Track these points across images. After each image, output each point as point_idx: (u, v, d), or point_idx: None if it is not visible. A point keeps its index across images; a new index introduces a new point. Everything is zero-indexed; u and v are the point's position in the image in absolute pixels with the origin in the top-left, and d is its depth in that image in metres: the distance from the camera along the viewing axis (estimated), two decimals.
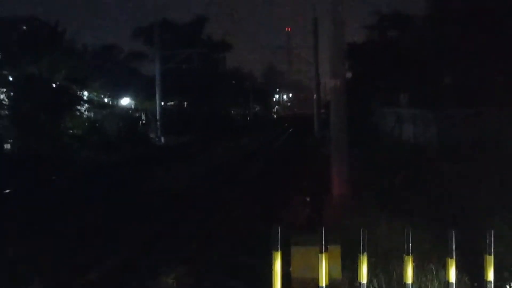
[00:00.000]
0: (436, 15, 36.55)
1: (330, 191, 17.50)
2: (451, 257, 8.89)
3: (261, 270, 10.62)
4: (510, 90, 26.99)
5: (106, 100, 54.16)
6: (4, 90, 39.25)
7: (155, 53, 59.13)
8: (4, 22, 45.73)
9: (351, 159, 18.29)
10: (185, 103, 75.38)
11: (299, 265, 10.02)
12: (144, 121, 59.21)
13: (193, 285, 12.08)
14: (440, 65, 34.45)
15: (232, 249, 13.98)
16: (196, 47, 64.71)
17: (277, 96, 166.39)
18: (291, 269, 10.12)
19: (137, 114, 59.79)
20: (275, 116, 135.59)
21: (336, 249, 9.99)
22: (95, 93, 47.92)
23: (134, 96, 61.99)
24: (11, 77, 39.68)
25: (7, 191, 24.81)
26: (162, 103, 59.98)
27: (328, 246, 8.94)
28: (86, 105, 44.07)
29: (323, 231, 8.84)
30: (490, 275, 8.96)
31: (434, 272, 10.32)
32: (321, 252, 8.85)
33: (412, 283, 9.07)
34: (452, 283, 9.01)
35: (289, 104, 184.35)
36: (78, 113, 42.63)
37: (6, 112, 38.30)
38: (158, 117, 56.85)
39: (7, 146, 36.59)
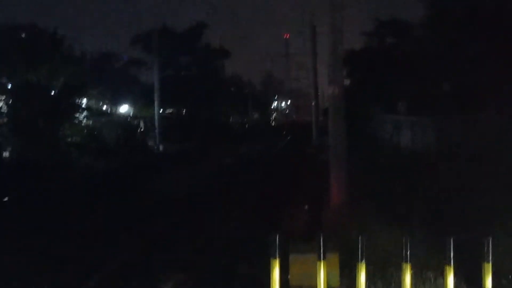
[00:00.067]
0: (434, 22, 36.59)
1: (329, 199, 17.49)
2: (449, 265, 8.89)
3: (259, 278, 10.61)
4: (509, 96, 27.01)
5: (104, 107, 54.12)
6: (3, 97, 39.22)
7: (153, 60, 59.10)
8: (3, 29, 45.72)
9: (349, 166, 18.28)
10: (184, 110, 75.28)
11: (297, 273, 10.02)
12: (142, 129, 59.12)
13: None
14: (439, 71, 34.46)
15: (230, 257, 13.97)
16: (195, 54, 64.72)
17: (275, 103, 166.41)
18: (289, 277, 10.11)
19: (135, 122, 59.68)
20: (273, 124, 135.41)
21: (334, 257, 9.99)
22: (93, 101, 47.87)
23: (132, 104, 61.94)
24: (10, 84, 39.66)
25: (6, 199, 24.79)
26: (161, 111, 59.92)
27: (326, 254, 8.94)
28: (85, 113, 43.98)
29: (321, 239, 8.84)
30: (488, 283, 8.96)
31: (432, 280, 10.31)
32: (319, 260, 8.85)
33: None
34: None
35: (287, 111, 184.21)
36: (76, 121, 42.55)
37: (5, 120, 38.27)
38: (156, 125, 56.80)
39: (6, 153, 36.56)
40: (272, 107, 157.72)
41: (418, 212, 15.25)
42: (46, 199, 25.43)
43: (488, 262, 8.90)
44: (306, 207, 18.70)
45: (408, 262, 8.88)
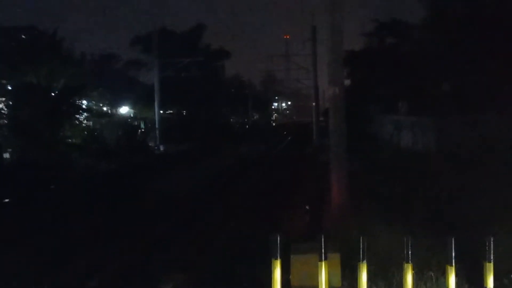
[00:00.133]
0: (434, 23, 36.58)
1: (330, 199, 17.48)
2: (451, 265, 8.89)
3: (260, 278, 10.61)
4: (509, 96, 27.00)
5: (105, 108, 54.10)
6: (3, 99, 39.25)
7: (153, 62, 59.15)
8: (3, 31, 45.76)
9: (350, 166, 18.28)
10: (184, 111, 75.29)
11: (299, 273, 10.02)
12: (143, 130, 59.14)
13: None
14: (439, 72, 34.45)
15: (231, 257, 13.97)
16: (195, 55, 64.69)
17: (276, 104, 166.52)
18: (290, 277, 10.11)
19: (136, 123, 59.72)
20: (274, 124, 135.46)
21: (336, 257, 9.99)
22: (94, 102, 47.89)
23: (133, 105, 61.96)
24: (10, 86, 39.69)
25: (6, 200, 24.81)
26: (161, 111, 59.96)
27: (327, 254, 8.94)
28: (85, 114, 44.02)
29: (323, 239, 8.84)
30: (490, 282, 8.96)
31: (433, 280, 10.31)
32: (321, 260, 8.85)
33: None
34: None
35: (288, 112, 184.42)
36: (77, 122, 42.60)
37: (5, 121, 38.30)
38: (157, 126, 56.83)
39: (7, 155, 36.58)
40: (273, 108, 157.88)
41: (419, 212, 15.25)
42: (47, 200, 25.46)
43: (489, 261, 8.89)
44: (307, 207, 18.69)
45: (410, 262, 8.88)
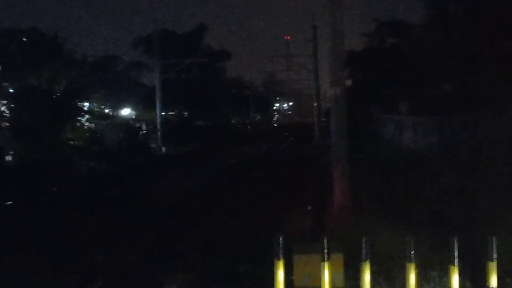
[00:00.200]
0: (434, 22, 36.57)
1: (332, 200, 17.49)
2: (454, 264, 8.90)
3: (263, 279, 10.61)
4: (510, 95, 26.98)
5: (106, 110, 54.13)
6: (5, 101, 39.28)
7: (155, 63, 59.24)
8: (4, 33, 45.77)
9: (352, 166, 18.28)
10: (186, 112, 75.35)
11: (302, 274, 10.01)
12: (144, 131, 59.21)
13: None
14: (440, 71, 34.45)
15: (234, 258, 13.96)
16: (196, 56, 64.76)
17: (277, 104, 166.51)
18: (293, 277, 10.11)
19: (137, 124, 59.77)
20: (275, 125, 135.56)
21: (339, 258, 9.98)
22: (95, 104, 47.93)
23: (134, 106, 62.02)
24: (12, 88, 39.72)
25: (9, 202, 24.84)
26: (163, 113, 60.03)
27: (330, 255, 8.94)
28: (87, 116, 44.05)
29: (325, 240, 8.84)
30: (493, 282, 8.96)
31: (436, 280, 10.31)
32: (324, 261, 8.85)
33: None
34: None
35: (289, 112, 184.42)
36: (78, 124, 42.63)
37: (7, 124, 38.32)
38: (158, 127, 56.89)
39: (8, 157, 36.60)
40: (274, 108, 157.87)
41: (422, 211, 15.25)
42: (50, 202, 25.48)
43: (492, 261, 8.90)
44: (309, 207, 18.70)
45: (413, 262, 8.89)
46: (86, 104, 45.30)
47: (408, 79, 38.05)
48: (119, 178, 33.94)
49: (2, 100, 39.19)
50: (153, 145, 55.50)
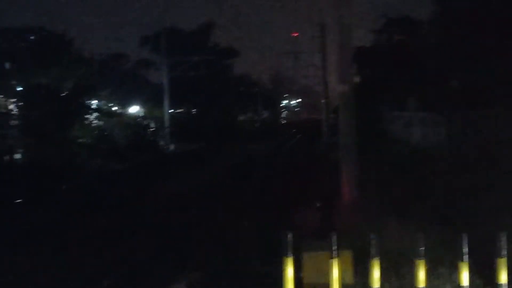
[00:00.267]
0: (443, 18, 36.47)
1: (341, 197, 17.46)
2: (463, 261, 8.88)
3: (272, 276, 10.61)
4: None
5: (114, 108, 54.23)
6: (14, 100, 39.39)
7: (162, 61, 59.27)
8: (13, 32, 45.90)
9: (360, 163, 18.25)
10: (194, 110, 75.39)
11: (311, 271, 10.01)
12: (153, 129, 59.29)
13: None
14: (448, 68, 34.35)
15: (243, 255, 13.96)
16: (204, 54, 64.77)
17: (285, 101, 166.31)
18: (302, 275, 10.10)
19: (145, 122, 59.84)
20: (283, 122, 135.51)
21: (348, 255, 9.98)
22: (103, 102, 48.04)
23: (142, 104, 62.06)
24: (20, 87, 39.83)
25: (19, 200, 24.90)
26: (171, 111, 60.06)
27: (339, 252, 8.94)
28: (95, 114, 44.14)
29: (334, 237, 8.84)
30: (503, 278, 8.94)
31: (446, 276, 10.29)
32: (333, 258, 8.85)
33: (424, 287, 9.05)
34: (464, 286, 8.99)
35: (297, 109, 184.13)
36: (87, 122, 42.73)
37: (16, 122, 38.43)
38: (166, 125, 56.94)
39: (18, 155, 36.71)
40: (282, 106, 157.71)
41: (431, 208, 15.22)
42: (58, 200, 25.54)
43: (502, 257, 8.88)
44: (318, 205, 18.67)
45: (422, 258, 8.87)
46: (94, 102, 45.40)
47: (416, 75, 37.92)
48: (128, 176, 34.00)
49: (11, 99, 39.31)
50: (161, 143, 55.57)
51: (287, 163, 38.38)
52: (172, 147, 54.59)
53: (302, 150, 49.13)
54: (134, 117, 58.75)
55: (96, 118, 44.51)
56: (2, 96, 40.17)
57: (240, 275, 12.47)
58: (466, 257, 8.86)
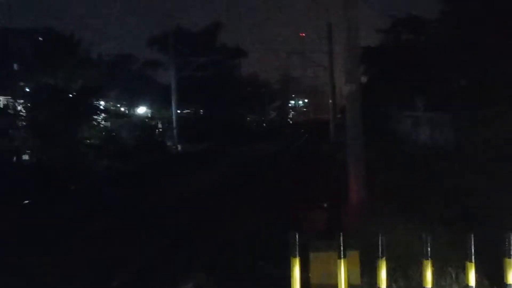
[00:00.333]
0: (450, 17, 36.43)
1: (348, 197, 17.46)
2: (471, 261, 8.87)
3: (279, 276, 10.61)
4: None
5: (122, 109, 54.28)
6: (21, 101, 39.45)
7: (170, 61, 59.32)
8: (20, 33, 46.01)
9: (367, 163, 18.23)
10: (201, 110, 75.44)
11: (318, 271, 10.01)
12: (160, 129, 59.34)
13: None
14: (456, 67, 34.32)
15: (250, 256, 13.97)
16: (211, 54, 64.81)
17: (292, 101, 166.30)
18: (309, 275, 10.10)
19: (153, 123, 59.87)
20: (291, 122, 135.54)
21: (355, 255, 9.97)
22: (111, 102, 48.09)
23: (150, 105, 62.12)
24: (28, 88, 39.90)
25: (27, 201, 24.95)
26: (178, 111, 60.09)
27: (346, 252, 8.94)
28: (103, 115, 44.17)
29: (342, 237, 8.84)
30: (510, 279, 8.92)
31: (453, 276, 10.28)
32: (340, 258, 8.85)
33: None
34: (471, 286, 8.98)
35: (304, 109, 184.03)
36: (95, 123, 42.76)
37: (24, 123, 38.49)
38: (174, 125, 56.98)
39: (25, 156, 36.78)
40: (289, 106, 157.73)
41: (438, 208, 15.20)
42: (66, 201, 25.59)
43: (509, 257, 8.85)
44: (325, 205, 18.65)
45: (429, 258, 8.86)
46: (102, 103, 45.45)
47: (424, 75, 37.91)
48: (136, 176, 34.04)
49: (19, 100, 39.38)
50: (169, 143, 55.61)
51: (294, 163, 38.36)
52: (179, 147, 54.61)
53: (309, 150, 49.08)
54: (141, 118, 58.81)
55: (104, 119, 44.52)
56: (10, 97, 40.24)
57: (246, 275, 12.48)
58: (473, 258, 8.85)
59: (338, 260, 8.84)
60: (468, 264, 8.89)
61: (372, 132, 30.28)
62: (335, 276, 8.92)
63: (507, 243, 8.82)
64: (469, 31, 32.61)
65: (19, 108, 39.20)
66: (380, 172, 22.84)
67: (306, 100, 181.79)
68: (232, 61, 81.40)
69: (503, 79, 29.54)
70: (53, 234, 18.16)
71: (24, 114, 38.86)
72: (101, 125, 44.06)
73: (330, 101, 59.05)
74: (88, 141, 40.94)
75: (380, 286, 9.01)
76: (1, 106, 39.24)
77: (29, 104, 38.89)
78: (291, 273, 8.68)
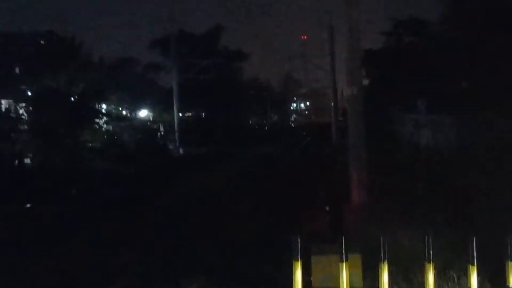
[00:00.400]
0: (452, 20, 36.38)
1: (349, 200, 17.45)
2: (473, 264, 8.85)
3: (281, 280, 10.60)
4: None
5: (124, 112, 54.38)
6: (23, 104, 39.52)
7: (172, 65, 59.36)
8: (22, 37, 46.13)
9: (369, 166, 18.22)
10: (203, 113, 75.49)
11: (320, 275, 9.98)
12: (162, 133, 59.38)
13: None
14: (458, 69, 34.26)
15: (252, 259, 13.95)
16: (213, 57, 64.86)
17: (294, 104, 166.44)
18: (311, 278, 10.09)
19: (155, 126, 59.93)
20: (293, 125, 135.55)
21: (357, 258, 9.95)
22: (113, 106, 48.16)
23: (152, 108, 62.18)
24: (30, 91, 39.96)
25: (28, 205, 24.94)
26: (180, 114, 60.11)
27: (348, 255, 8.92)
28: (105, 118, 44.22)
29: (343, 240, 8.82)
30: None
31: (455, 279, 10.26)
32: (342, 261, 8.83)
33: None
34: None
35: (306, 112, 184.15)
36: (96, 126, 42.80)
37: (26, 127, 38.54)
38: (176, 128, 56.98)
39: (27, 160, 36.81)
40: (291, 109, 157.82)
41: (440, 211, 15.16)
42: (69, 204, 25.56)
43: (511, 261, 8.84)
44: (327, 208, 18.66)
45: (431, 262, 8.84)
46: (104, 106, 45.50)
47: (426, 77, 37.84)
48: (138, 180, 34.01)
49: (21, 103, 39.45)
50: (171, 147, 55.62)
51: (296, 166, 38.35)
52: (181, 150, 54.61)
53: (311, 153, 49.10)
54: (143, 121, 58.87)
55: (106, 122, 44.56)
56: (11, 100, 40.32)
57: (249, 278, 12.47)
58: (475, 261, 8.83)
59: (340, 263, 8.83)
60: (470, 267, 8.87)
61: (374, 135, 30.23)
62: (337, 279, 8.90)
63: (509, 246, 8.80)
64: (471, 33, 32.57)
65: (21, 111, 39.26)
66: (382, 174, 22.80)
67: (308, 103, 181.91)
68: (234, 64, 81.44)
69: (506, 81, 29.49)
70: (55, 238, 18.14)
71: (26, 118, 38.91)
72: (103, 129, 44.09)
73: (333, 103, 59.03)
74: (90, 144, 40.98)
75: None
76: (3, 109, 39.29)
77: (31, 108, 38.94)
78: (293, 276, 8.67)
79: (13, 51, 48.50)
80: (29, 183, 29.69)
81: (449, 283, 10.21)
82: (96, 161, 38.63)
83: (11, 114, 38.77)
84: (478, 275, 9.00)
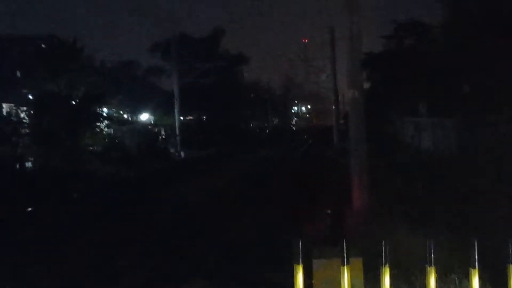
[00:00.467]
0: (453, 23, 36.38)
1: (351, 203, 17.43)
2: (474, 267, 8.82)
3: (282, 283, 10.59)
4: None
5: (125, 115, 54.39)
6: (24, 108, 39.55)
7: (173, 68, 59.39)
8: (23, 40, 46.15)
9: (371, 169, 18.20)
10: (204, 117, 75.56)
11: (321, 278, 9.96)
12: (163, 136, 59.41)
13: None
14: (459, 73, 34.25)
15: (253, 262, 13.94)
16: (214, 60, 64.95)
17: (295, 108, 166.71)
18: (313, 282, 10.07)
19: (156, 129, 59.97)
20: (294, 128, 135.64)
21: (358, 262, 9.92)
22: (114, 109, 48.20)
23: (153, 111, 62.23)
24: (31, 95, 39.99)
25: (29, 209, 24.95)
26: (181, 118, 60.13)
27: (350, 259, 8.90)
28: (106, 121, 44.25)
29: (345, 244, 8.80)
30: None
31: (456, 283, 10.24)
32: (343, 265, 8.81)
33: None
34: None
35: (307, 115, 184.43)
36: (97, 130, 42.83)
37: (27, 130, 38.57)
38: (177, 132, 57.00)
39: (28, 164, 36.83)
40: (292, 112, 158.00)
41: (442, 215, 15.15)
42: (70, 208, 25.58)
43: None
44: (329, 211, 18.63)
45: (433, 265, 8.82)
46: (105, 109, 45.53)
47: (427, 80, 37.86)
48: (139, 183, 34.04)
49: (22, 107, 39.47)
50: (172, 150, 55.64)
51: (298, 169, 38.33)
52: (182, 154, 54.62)
53: (312, 156, 49.10)
54: (144, 125, 58.91)
55: (107, 125, 44.60)
56: (13, 104, 40.35)
57: (249, 282, 12.46)
58: (476, 264, 8.80)
59: (342, 267, 8.80)
60: (472, 270, 8.85)
61: (375, 138, 30.24)
62: (339, 283, 8.88)
63: (511, 249, 8.77)
64: (472, 36, 32.57)
65: (22, 115, 39.29)
66: (384, 177, 22.80)
67: (309, 106, 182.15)
68: (235, 67, 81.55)
69: (507, 85, 29.47)
70: (56, 241, 18.14)
71: (27, 121, 38.93)
72: (104, 132, 44.12)
73: (333, 107, 59.04)
74: (91, 148, 41.01)
75: None
76: (4, 113, 39.32)
77: (32, 111, 38.97)
78: (295, 280, 8.65)
79: (14, 54, 48.55)
80: (30, 186, 29.72)
81: (451, 286, 10.19)
82: (97, 164, 38.66)
83: (12, 118, 38.74)
84: (480, 278, 8.97)
